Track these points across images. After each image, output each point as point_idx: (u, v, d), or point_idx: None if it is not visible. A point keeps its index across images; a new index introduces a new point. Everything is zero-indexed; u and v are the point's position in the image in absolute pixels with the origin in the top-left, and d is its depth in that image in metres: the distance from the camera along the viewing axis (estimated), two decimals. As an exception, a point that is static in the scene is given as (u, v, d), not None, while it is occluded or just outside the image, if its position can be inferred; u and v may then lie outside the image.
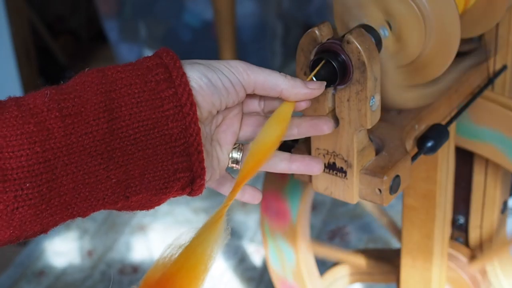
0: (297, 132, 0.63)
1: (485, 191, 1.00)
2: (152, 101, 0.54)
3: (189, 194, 0.59)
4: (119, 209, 0.56)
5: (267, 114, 0.64)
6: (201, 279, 0.53)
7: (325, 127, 0.62)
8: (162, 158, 0.55)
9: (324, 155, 0.68)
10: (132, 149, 0.54)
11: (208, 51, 2.64)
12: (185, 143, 0.55)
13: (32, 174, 0.49)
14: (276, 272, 1.15)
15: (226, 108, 0.60)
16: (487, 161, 0.97)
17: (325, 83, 0.60)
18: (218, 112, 0.60)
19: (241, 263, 1.73)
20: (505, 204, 1.03)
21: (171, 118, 0.55)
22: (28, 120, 0.50)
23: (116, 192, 0.54)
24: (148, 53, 2.97)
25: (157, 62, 0.56)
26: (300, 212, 1.07)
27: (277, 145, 0.58)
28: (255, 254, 1.75)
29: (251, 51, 2.65)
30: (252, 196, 0.64)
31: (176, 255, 0.54)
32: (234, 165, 0.63)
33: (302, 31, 2.74)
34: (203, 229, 0.55)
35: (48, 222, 0.52)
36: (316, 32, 0.61)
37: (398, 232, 1.10)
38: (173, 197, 0.58)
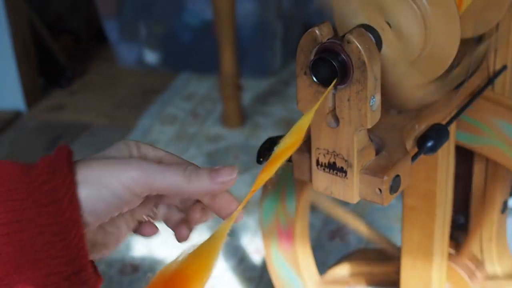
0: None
1: (485, 191, 1.00)
2: (29, 195, 0.51)
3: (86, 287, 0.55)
4: None
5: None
6: (206, 281, 0.53)
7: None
8: (42, 252, 0.52)
9: (324, 155, 0.68)
10: (5, 245, 0.50)
11: (208, 51, 2.65)
12: (65, 239, 0.52)
13: None
14: (268, 221, 1.13)
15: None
16: (487, 161, 0.97)
17: (236, 168, 0.56)
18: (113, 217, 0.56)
19: (241, 263, 1.73)
20: (505, 204, 1.03)
21: (49, 214, 0.51)
22: None
23: None
24: (148, 53, 2.98)
25: (47, 157, 0.53)
26: (300, 211, 1.07)
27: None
28: (255, 254, 1.75)
29: (251, 51, 2.65)
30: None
31: (185, 258, 0.53)
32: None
33: (302, 31, 2.74)
34: (210, 239, 0.54)
35: None
36: (316, 32, 0.61)
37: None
38: None
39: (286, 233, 1.11)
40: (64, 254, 0.52)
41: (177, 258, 0.53)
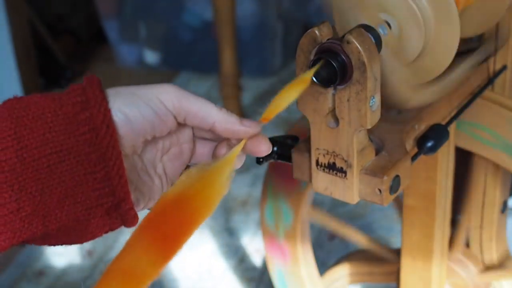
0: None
1: (485, 191, 1.00)
2: (66, 126, 0.51)
3: (124, 223, 0.55)
4: (43, 242, 0.54)
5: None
6: (215, 203, 0.52)
7: (263, 148, 0.58)
8: (82, 184, 0.52)
9: (324, 155, 0.68)
10: (46, 178, 0.51)
11: (208, 51, 2.65)
12: (105, 168, 0.52)
13: None
14: (268, 228, 1.14)
15: (156, 137, 0.57)
16: (487, 161, 0.97)
17: (261, 124, 0.58)
18: (146, 143, 0.57)
19: (241, 263, 1.73)
20: (505, 204, 1.03)
21: (87, 142, 0.51)
22: None
23: (33, 222, 0.51)
24: (148, 53, 2.99)
25: (77, 86, 0.53)
26: (299, 212, 1.07)
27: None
28: (255, 254, 1.75)
29: (251, 51, 2.65)
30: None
31: (192, 179, 0.52)
32: None
33: (302, 31, 2.74)
34: (220, 162, 0.54)
35: None
36: (316, 32, 0.61)
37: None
38: (106, 230, 0.55)
39: (286, 234, 1.11)
40: (105, 184, 0.53)
41: (180, 178, 0.53)
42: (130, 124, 0.53)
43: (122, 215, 0.54)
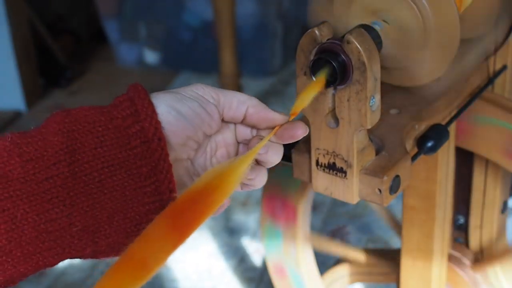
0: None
1: (485, 191, 1.00)
2: (118, 139, 0.51)
3: None
4: (91, 257, 0.53)
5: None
6: (228, 193, 0.52)
7: (300, 131, 0.59)
8: (132, 199, 0.52)
9: (324, 155, 0.68)
10: (98, 192, 0.51)
11: (208, 51, 2.65)
12: (155, 182, 0.52)
13: None
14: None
15: (206, 136, 0.57)
16: (487, 161, 0.97)
17: (288, 117, 0.59)
18: (199, 143, 0.57)
19: (241, 263, 1.73)
20: (505, 204, 1.03)
21: (138, 156, 0.51)
22: None
23: (83, 238, 0.51)
24: (148, 53, 2.99)
25: (124, 98, 0.53)
26: (300, 212, 1.07)
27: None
28: (255, 254, 1.75)
29: (251, 51, 2.65)
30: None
31: (216, 172, 0.52)
32: None
33: (302, 31, 2.73)
34: (237, 161, 0.54)
35: (12, 274, 0.49)
36: (316, 32, 0.61)
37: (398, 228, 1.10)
38: None
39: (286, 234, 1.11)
40: (155, 199, 0.52)
41: (207, 172, 0.52)
42: (184, 120, 0.54)
43: None
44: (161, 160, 0.52)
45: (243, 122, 0.59)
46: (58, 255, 0.50)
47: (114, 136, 0.51)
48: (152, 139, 0.51)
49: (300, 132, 0.58)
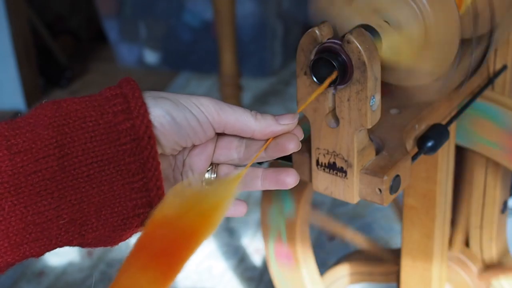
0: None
1: (485, 191, 1.00)
2: (108, 135, 0.51)
3: None
4: (79, 246, 0.54)
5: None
6: (211, 228, 0.52)
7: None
8: (120, 194, 0.52)
9: (324, 155, 0.68)
10: (86, 186, 0.51)
11: (208, 51, 2.65)
12: (143, 178, 0.53)
13: None
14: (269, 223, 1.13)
15: (194, 145, 0.57)
16: (487, 161, 0.97)
17: (297, 115, 0.58)
18: (186, 148, 0.57)
19: (241, 263, 1.73)
20: (505, 204, 1.03)
21: (128, 152, 0.52)
22: None
23: (70, 230, 0.51)
24: (148, 53, 2.99)
25: (116, 92, 0.53)
26: (300, 212, 1.07)
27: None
28: (255, 254, 1.75)
29: (251, 51, 2.65)
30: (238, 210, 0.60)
31: (184, 197, 0.52)
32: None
33: (302, 31, 2.74)
34: (220, 183, 0.54)
35: None
36: (316, 32, 0.61)
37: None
38: (135, 233, 0.55)
39: (287, 246, 1.11)
40: (142, 195, 0.53)
41: (168, 196, 0.52)
42: (177, 127, 0.54)
43: None
44: (150, 157, 0.52)
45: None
46: (45, 246, 0.51)
47: (105, 132, 0.51)
48: (143, 137, 0.52)
49: (292, 146, 0.57)
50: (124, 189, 0.52)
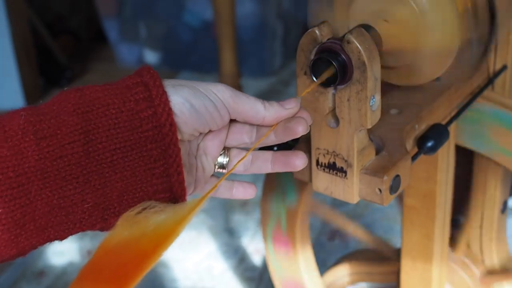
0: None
1: (485, 191, 1.00)
2: (130, 122, 0.53)
3: None
4: (100, 230, 0.55)
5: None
6: (159, 253, 0.52)
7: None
8: (141, 180, 0.54)
9: (324, 155, 0.68)
10: (109, 172, 0.53)
11: (208, 51, 2.65)
12: (164, 164, 0.54)
13: (5, 200, 0.48)
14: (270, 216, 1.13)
15: (210, 131, 0.59)
16: (487, 161, 0.97)
17: (299, 99, 0.60)
18: (203, 133, 0.59)
19: (241, 263, 1.73)
20: (505, 204, 1.03)
21: (150, 139, 0.53)
22: (1, 144, 0.49)
23: (93, 215, 0.53)
24: (148, 53, 2.99)
25: (137, 80, 0.54)
26: (300, 212, 1.06)
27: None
28: (255, 254, 1.75)
29: (251, 51, 2.65)
30: (245, 192, 0.63)
31: (136, 222, 0.52)
32: (220, 169, 0.62)
33: (302, 31, 2.74)
34: (174, 208, 0.54)
35: (24, 246, 0.51)
36: (316, 32, 0.61)
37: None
38: None
39: (286, 234, 1.11)
40: (163, 180, 0.55)
41: (119, 222, 0.52)
42: (196, 114, 0.55)
43: None
44: (171, 144, 0.54)
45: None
46: (68, 229, 0.52)
47: (127, 119, 0.53)
48: (164, 124, 0.53)
49: (300, 129, 0.59)
50: (145, 174, 0.54)
